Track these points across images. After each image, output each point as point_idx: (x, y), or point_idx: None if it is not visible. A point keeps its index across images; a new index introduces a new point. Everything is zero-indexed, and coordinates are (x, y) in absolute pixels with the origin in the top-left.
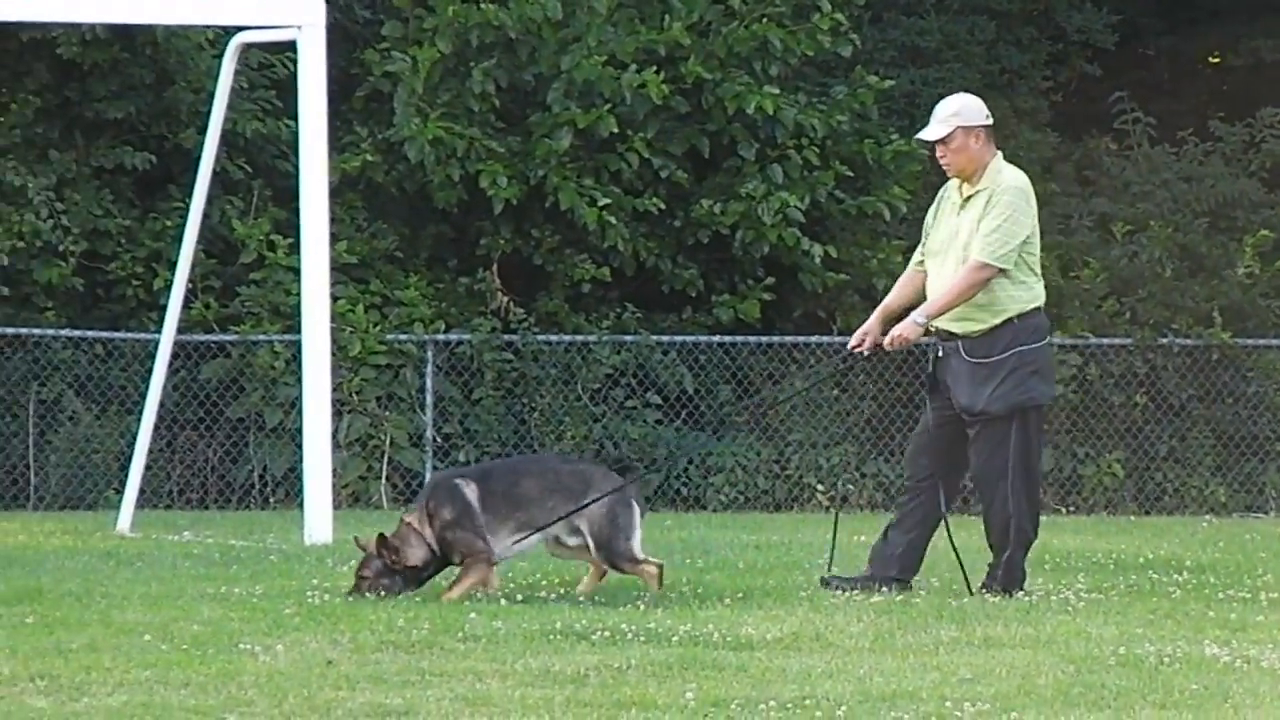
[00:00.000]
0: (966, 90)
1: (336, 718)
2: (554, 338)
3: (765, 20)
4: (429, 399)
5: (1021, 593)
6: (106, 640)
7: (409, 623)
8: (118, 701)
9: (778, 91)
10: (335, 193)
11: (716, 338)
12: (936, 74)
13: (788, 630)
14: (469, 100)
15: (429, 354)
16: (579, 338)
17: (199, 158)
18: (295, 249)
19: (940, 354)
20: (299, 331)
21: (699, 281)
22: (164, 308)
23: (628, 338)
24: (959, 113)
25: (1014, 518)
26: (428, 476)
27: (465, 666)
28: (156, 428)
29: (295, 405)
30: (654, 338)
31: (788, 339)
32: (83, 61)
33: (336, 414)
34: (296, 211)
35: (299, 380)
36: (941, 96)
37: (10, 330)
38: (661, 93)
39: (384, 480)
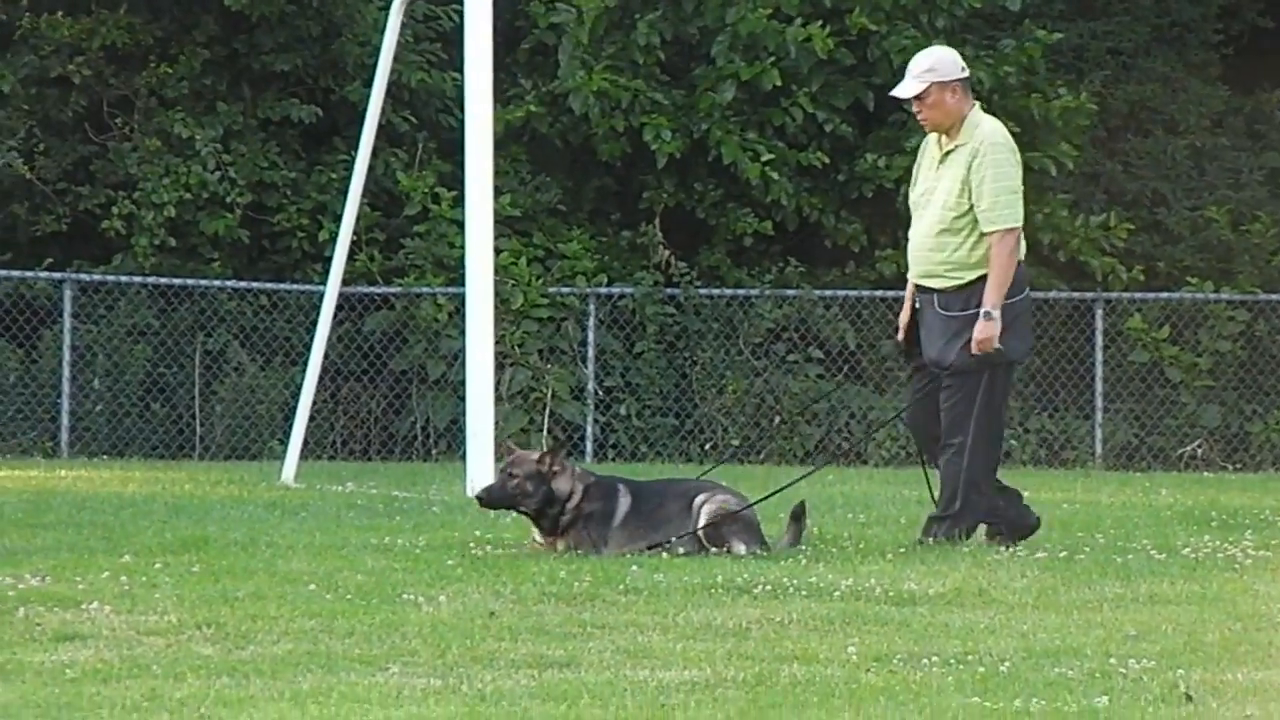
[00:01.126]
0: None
1: (499, 669)
2: (716, 292)
3: None
4: (590, 352)
5: (964, 543)
6: (272, 589)
7: (571, 575)
8: (283, 650)
9: (941, 43)
10: (499, 145)
11: (879, 292)
12: (1105, 27)
13: (950, 585)
14: (634, 53)
15: (591, 307)
16: (741, 292)
17: (364, 110)
18: (459, 202)
19: (917, 306)
20: (462, 284)
21: (862, 236)
22: (329, 260)
23: (789, 292)
24: (933, 68)
25: (966, 472)
26: (589, 429)
27: (627, 619)
28: (321, 379)
29: (458, 357)
30: (816, 292)
31: None
32: (250, 14)
33: (499, 366)
34: (461, 164)
35: (462, 333)
36: (1111, 50)
37: (177, 281)
38: (826, 46)
39: (545, 433)
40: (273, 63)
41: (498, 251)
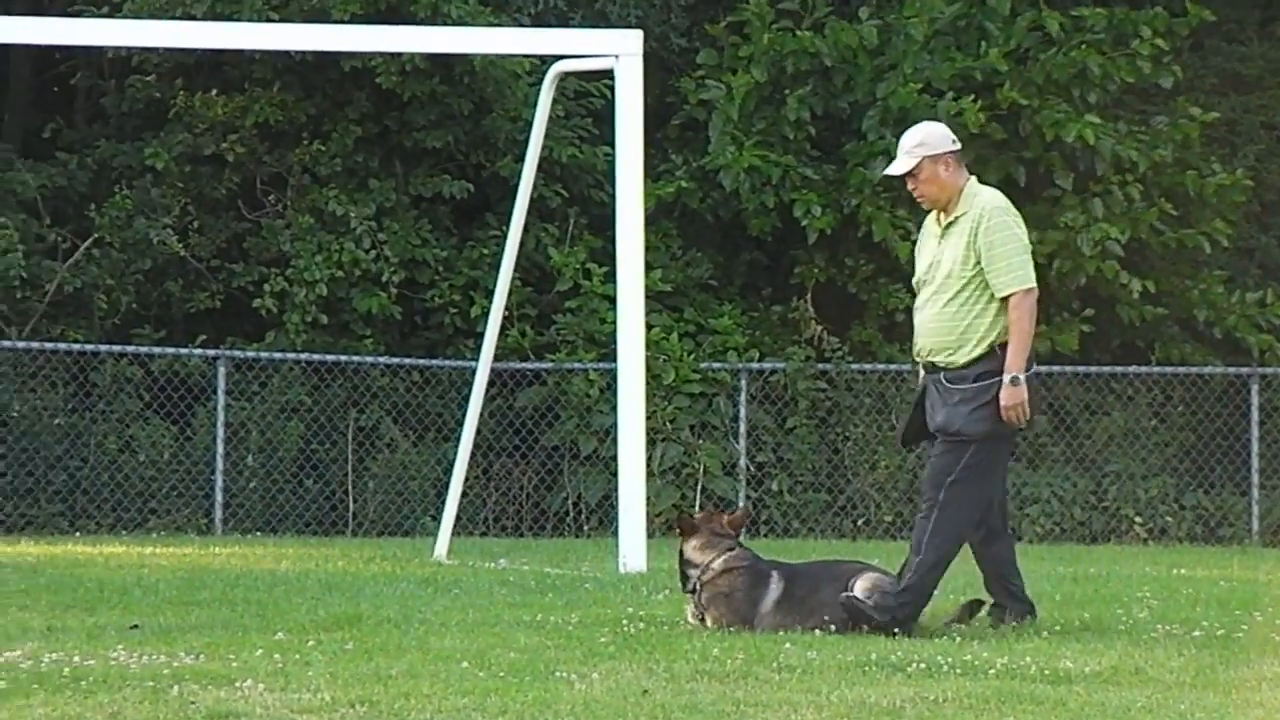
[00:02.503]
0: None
1: None
2: (868, 367)
3: (1084, 47)
4: (742, 427)
5: (899, 630)
6: (425, 667)
7: (724, 653)
8: None
9: (1098, 120)
10: (650, 220)
11: (1032, 368)
12: (1259, 101)
13: (1106, 664)
14: (784, 128)
15: (742, 382)
16: (893, 367)
17: (516, 186)
18: (610, 277)
19: (925, 386)
20: (614, 359)
21: None
22: (481, 335)
23: None
24: (924, 143)
25: (929, 541)
26: (740, 505)
27: (780, 697)
28: (473, 455)
29: (610, 433)
30: None
31: (1105, 369)
32: (402, 91)
33: (650, 442)
34: (612, 239)
35: (613, 408)
36: (1264, 125)
37: (330, 357)
38: (978, 120)
39: (697, 508)
40: (424, 139)
41: (649, 327)
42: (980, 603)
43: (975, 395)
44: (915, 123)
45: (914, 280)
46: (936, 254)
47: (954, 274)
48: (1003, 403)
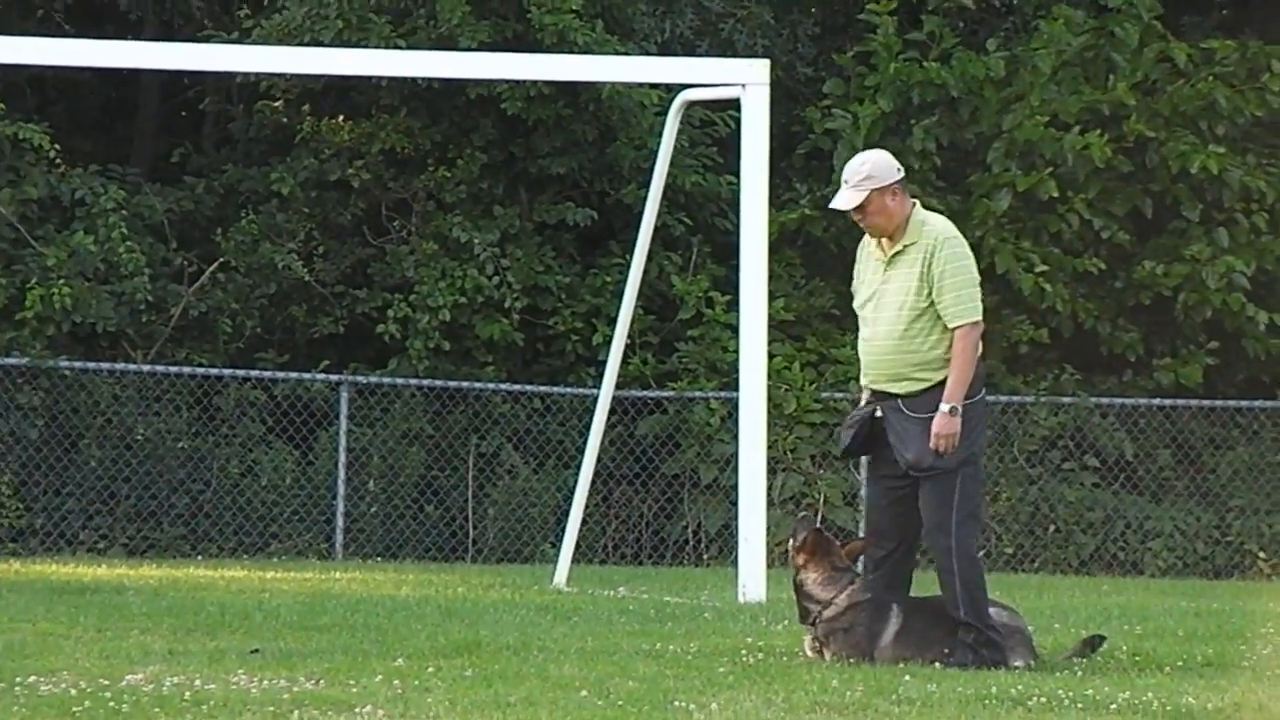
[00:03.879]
0: None
1: None
2: (991, 398)
3: (1213, 79)
4: (863, 458)
5: (992, 658)
6: (544, 695)
7: (843, 684)
8: None
9: (1223, 151)
10: (773, 249)
11: (1157, 401)
12: None
13: (1229, 701)
14: (909, 158)
15: None
16: (1016, 399)
17: (640, 213)
18: (733, 305)
19: (878, 415)
20: (735, 389)
21: (1139, 345)
22: (603, 363)
23: (1065, 400)
24: (871, 175)
25: (959, 570)
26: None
27: None
28: (593, 483)
29: (730, 462)
30: (1092, 400)
31: (1230, 403)
32: (527, 118)
33: (771, 471)
34: (735, 268)
35: (734, 437)
36: None
37: (453, 384)
38: (1104, 154)
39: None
40: (549, 166)
41: (771, 356)
42: (1101, 638)
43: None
44: (1040, 155)
45: (856, 305)
46: (880, 282)
47: (907, 304)
48: (935, 430)
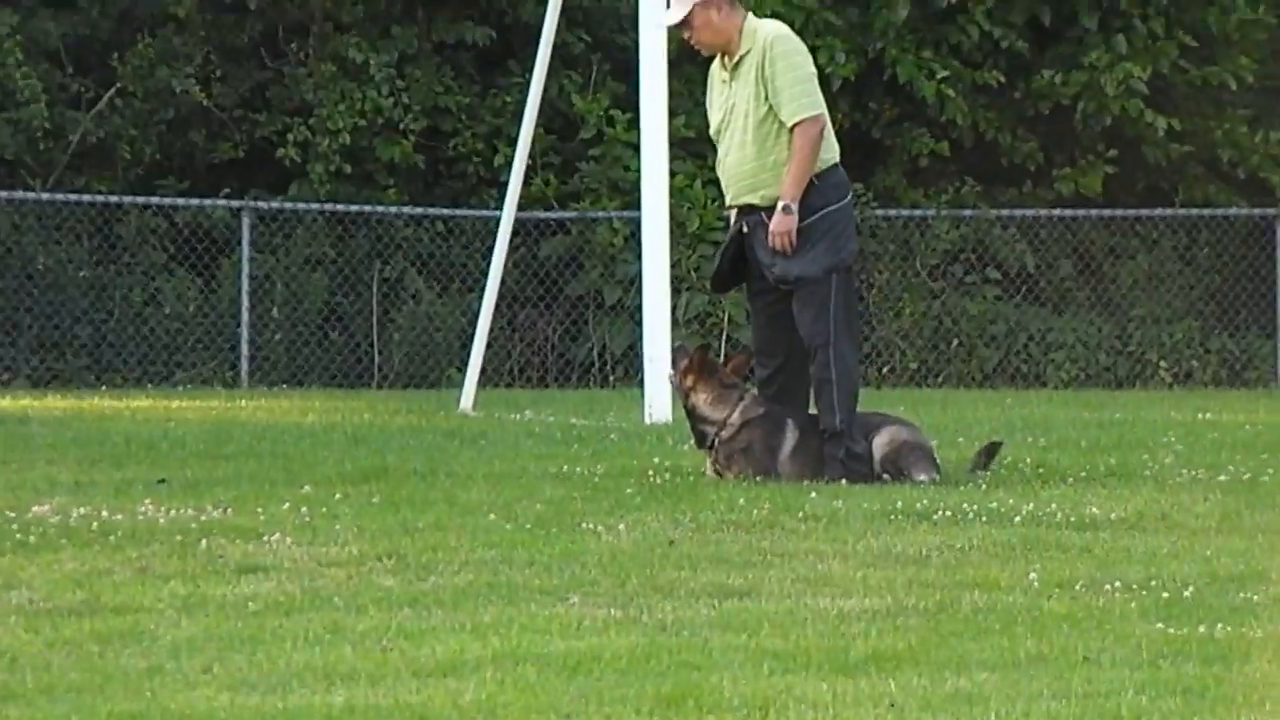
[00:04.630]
0: None
1: (679, 598)
2: (892, 212)
3: None
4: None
5: (862, 471)
6: (451, 519)
7: (749, 502)
8: (464, 581)
9: None
10: (674, 66)
11: (1057, 211)
12: None
13: (1132, 510)
14: None
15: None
16: (917, 212)
17: (539, 32)
18: (634, 124)
19: (745, 229)
20: (638, 208)
21: (1039, 155)
22: (504, 185)
23: (966, 212)
24: None
25: (839, 381)
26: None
27: (806, 547)
28: (497, 306)
29: (634, 282)
30: (993, 212)
31: (1129, 212)
32: None
33: (675, 291)
34: (635, 86)
35: (638, 257)
36: None
37: (354, 208)
38: None
39: (723, 358)
40: None
41: (673, 174)
42: (998, 444)
43: (805, 236)
44: None
45: (711, 132)
46: (728, 99)
47: (751, 112)
48: (771, 229)
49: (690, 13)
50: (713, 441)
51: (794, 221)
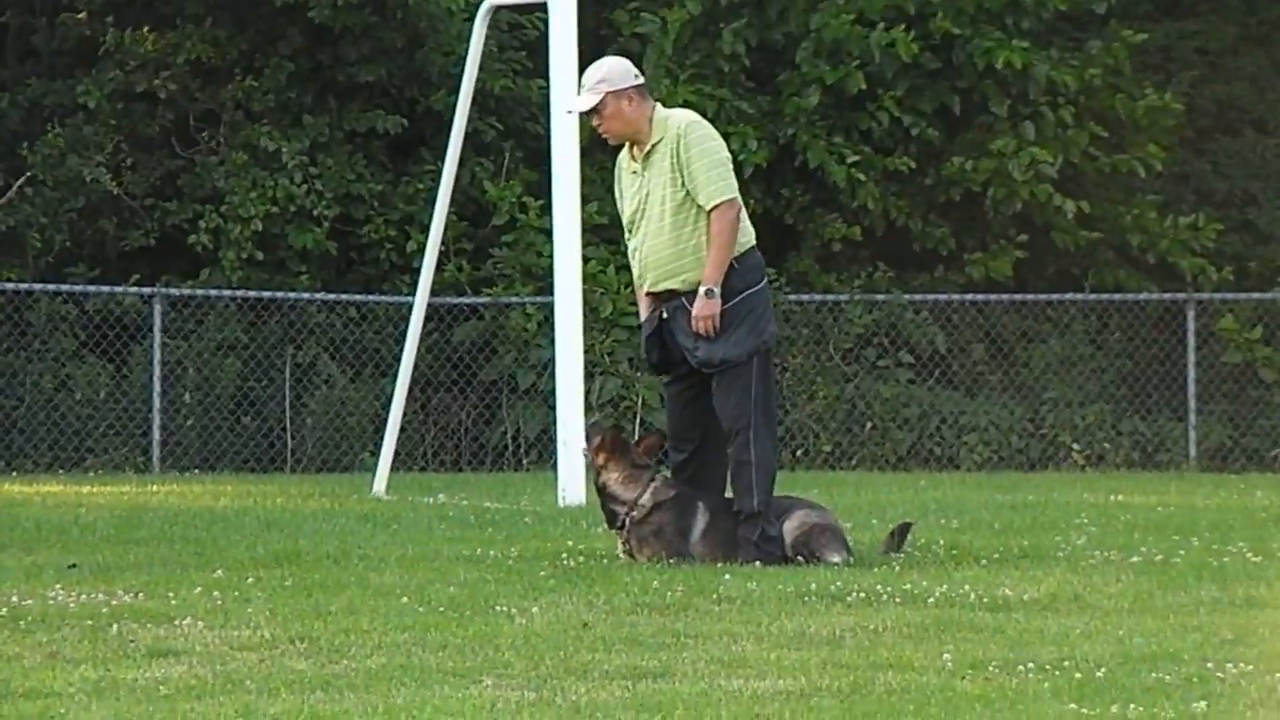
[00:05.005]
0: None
1: (593, 680)
2: (805, 297)
3: None
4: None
5: (776, 553)
6: (364, 602)
7: (663, 584)
8: (376, 664)
9: (1028, 45)
10: (586, 153)
11: (969, 296)
12: (1192, 26)
13: (1045, 591)
14: (719, 61)
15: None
16: (830, 297)
17: (451, 120)
18: (547, 210)
19: (664, 316)
20: (551, 293)
21: (950, 240)
22: (417, 270)
23: (879, 297)
24: (605, 78)
25: (758, 464)
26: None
27: (720, 628)
28: (411, 390)
29: (548, 367)
30: (906, 296)
31: (1041, 297)
32: (334, 25)
33: (589, 375)
34: (547, 172)
35: (551, 342)
36: (1198, 50)
37: (266, 294)
38: (911, 50)
39: (636, 443)
40: (357, 74)
41: (586, 260)
42: (908, 525)
43: (728, 320)
44: (848, 53)
45: (626, 223)
46: (640, 188)
47: (668, 198)
48: (695, 312)
49: (601, 101)
50: (623, 522)
51: (718, 305)
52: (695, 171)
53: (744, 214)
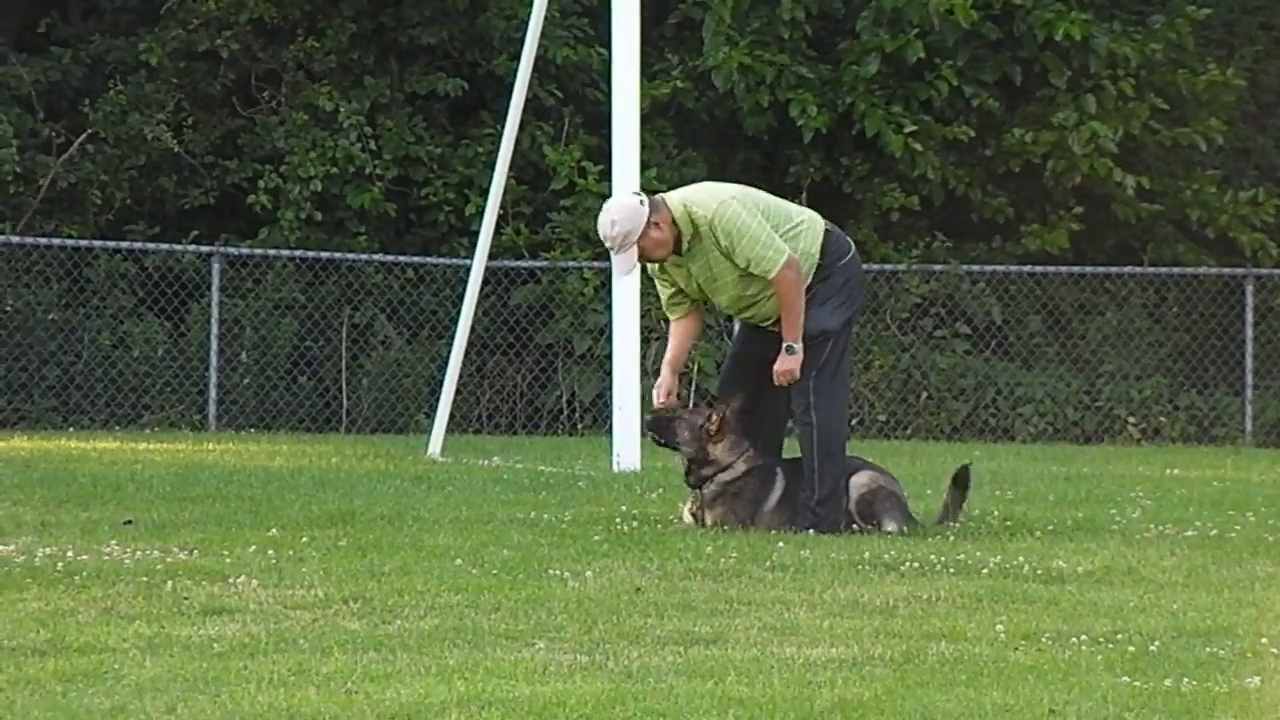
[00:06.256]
0: None
1: (645, 645)
2: (863, 266)
3: None
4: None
5: (833, 517)
6: (418, 564)
7: (717, 551)
8: (429, 625)
9: (1088, 17)
10: (645, 120)
11: (1027, 268)
12: (1256, 2)
13: (1099, 564)
14: (779, 28)
15: None
16: (887, 267)
17: (511, 84)
18: (605, 175)
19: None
20: (608, 258)
21: (1008, 210)
22: (475, 234)
23: (936, 267)
24: (626, 231)
25: (820, 427)
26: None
27: (773, 595)
28: (467, 353)
29: (604, 332)
30: (963, 267)
31: (1099, 269)
32: None
33: (645, 340)
34: (607, 138)
35: (608, 307)
36: (1262, 25)
37: (325, 254)
38: (970, 17)
39: (690, 405)
40: (419, 36)
41: None
42: (966, 471)
43: (825, 293)
44: (909, 21)
45: (687, 298)
46: (696, 270)
47: (728, 270)
48: (777, 368)
49: (640, 248)
50: (707, 480)
51: (799, 360)
52: (744, 254)
53: (807, 228)
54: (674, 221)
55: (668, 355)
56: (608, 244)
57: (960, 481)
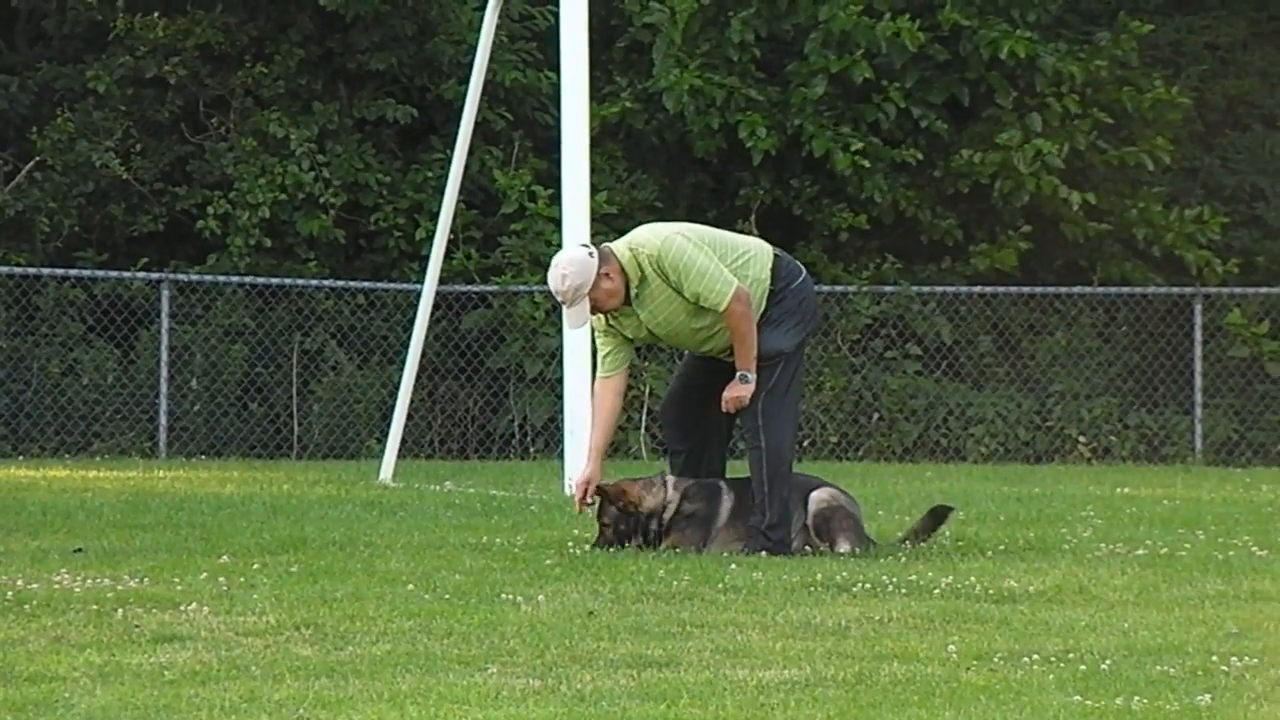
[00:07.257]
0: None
1: (598, 669)
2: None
3: None
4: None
5: (784, 549)
6: (370, 589)
7: (669, 574)
8: (381, 651)
9: (1033, 36)
10: (595, 143)
11: (976, 288)
12: (1202, 21)
13: (1050, 583)
14: (727, 50)
15: None
16: (838, 288)
17: (460, 109)
18: (556, 199)
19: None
20: None
21: (957, 231)
22: (426, 258)
23: (886, 288)
24: (577, 285)
25: (769, 448)
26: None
27: (726, 618)
28: (418, 378)
29: (555, 355)
30: (913, 288)
31: (1049, 290)
32: (345, 13)
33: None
34: (557, 162)
35: (559, 330)
36: (1208, 45)
37: (274, 280)
38: (917, 40)
39: (643, 430)
40: (368, 62)
41: None
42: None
43: (778, 314)
44: (856, 44)
45: (634, 337)
46: (644, 313)
47: (680, 308)
48: (727, 394)
49: (591, 301)
50: (657, 532)
51: (750, 389)
52: (692, 288)
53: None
54: (623, 270)
55: (595, 440)
56: (559, 298)
57: (938, 516)
